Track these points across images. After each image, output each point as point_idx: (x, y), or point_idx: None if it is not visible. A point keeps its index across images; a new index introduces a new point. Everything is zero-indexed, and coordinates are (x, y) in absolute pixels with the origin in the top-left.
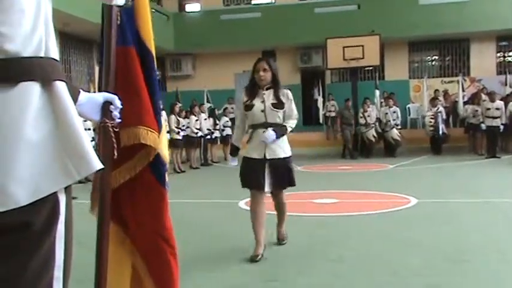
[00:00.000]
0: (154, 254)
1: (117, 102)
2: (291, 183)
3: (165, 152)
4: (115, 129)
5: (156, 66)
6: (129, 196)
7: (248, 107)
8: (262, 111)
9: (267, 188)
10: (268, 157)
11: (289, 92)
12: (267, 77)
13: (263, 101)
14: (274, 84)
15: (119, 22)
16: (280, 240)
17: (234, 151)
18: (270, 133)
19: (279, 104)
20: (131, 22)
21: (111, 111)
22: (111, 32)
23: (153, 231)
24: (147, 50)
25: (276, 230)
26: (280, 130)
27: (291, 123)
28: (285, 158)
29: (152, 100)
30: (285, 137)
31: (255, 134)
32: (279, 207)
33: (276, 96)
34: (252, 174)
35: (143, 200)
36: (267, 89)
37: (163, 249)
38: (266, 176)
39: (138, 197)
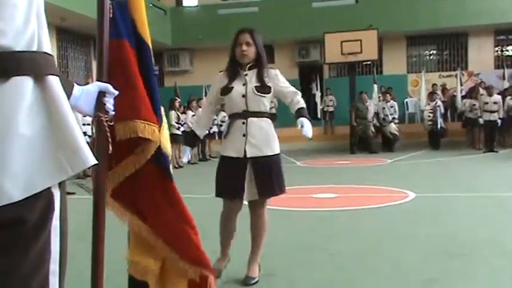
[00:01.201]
0: (178, 235)
1: (111, 89)
2: (280, 189)
3: (167, 145)
4: (109, 123)
5: (153, 59)
6: (142, 190)
7: (225, 91)
8: (243, 96)
9: (246, 197)
10: (249, 155)
11: (277, 71)
12: (250, 53)
13: (245, 84)
14: (259, 63)
15: (111, 15)
16: (248, 279)
17: (191, 139)
18: (308, 126)
19: (263, 88)
20: (125, 15)
21: (105, 104)
22: (103, 24)
23: (173, 218)
24: (145, 43)
25: (247, 261)
26: (304, 113)
27: (301, 100)
28: (271, 156)
29: (152, 93)
30: (271, 128)
31: (232, 125)
32: (257, 225)
33: (260, 77)
34: (227, 180)
35: (157, 193)
36: (249, 69)
37: (186, 230)
38: (246, 181)
39: (151, 190)
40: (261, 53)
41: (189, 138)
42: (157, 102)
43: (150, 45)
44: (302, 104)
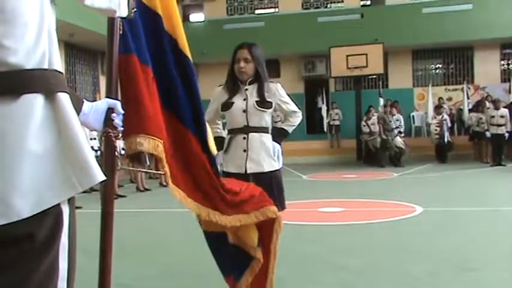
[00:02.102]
0: (238, 205)
1: (119, 108)
2: (281, 206)
3: (213, 148)
4: (117, 139)
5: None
6: (203, 184)
7: (226, 106)
8: (244, 111)
9: None
10: (249, 171)
11: (278, 85)
12: (248, 70)
13: (245, 99)
14: (259, 78)
15: (121, 32)
16: None
17: (219, 144)
18: (276, 148)
19: (264, 103)
20: (134, 31)
21: (113, 120)
22: (113, 42)
23: (229, 196)
24: (187, 58)
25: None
26: (280, 137)
27: (293, 121)
28: (272, 172)
29: (197, 105)
30: (272, 143)
31: (233, 141)
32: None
33: (260, 92)
34: None
35: (209, 187)
36: (249, 84)
37: (242, 196)
38: None
39: (207, 183)
40: (260, 68)
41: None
42: (201, 112)
43: (191, 59)
44: (290, 124)
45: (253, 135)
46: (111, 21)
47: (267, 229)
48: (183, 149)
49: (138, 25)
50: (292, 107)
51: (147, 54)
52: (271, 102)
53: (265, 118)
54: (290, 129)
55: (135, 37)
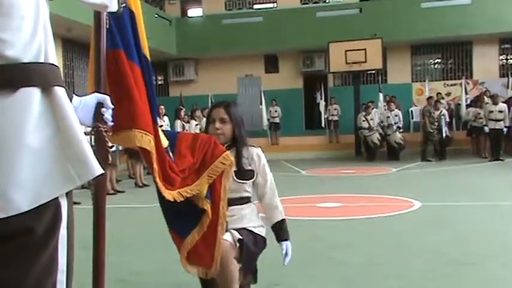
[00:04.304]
0: (192, 178)
1: (108, 103)
2: (250, 267)
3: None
4: (108, 133)
5: (152, 72)
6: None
7: None
8: None
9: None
10: (230, 227)
11: (259, 151)
12: (226, 131)
13: None
14: (237, 142)
15: (107, 26)
16: None
17: None
18: (289, 249)
19: (243, 173)
20: (122, 27)
21: (103, 114)
22: (100, 35)
23: (187, 171)
24: (146, 58)
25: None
26: (286, 231)
27: (280, 205)
28: (255, 233)
29: (152, 104)
30: (255, 214)
31: None
32: None
33: (238, 160)
34: None
35: (169, 169)
36: (226, 148)
37: (197, 168)
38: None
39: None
40: (238, 130)
41: None
42: (156, 111)
43: (149, 58)
44: (282, 212)
45: (232, 209)
46: (98, 15)
47: (216, 182)
48: (157, 143)
49: (123, 21)
50: (272, 182)
51: (133, 50)
52: (252, 171)
53: (246, 188)
54: (283, 215)
55: (121, 33)
